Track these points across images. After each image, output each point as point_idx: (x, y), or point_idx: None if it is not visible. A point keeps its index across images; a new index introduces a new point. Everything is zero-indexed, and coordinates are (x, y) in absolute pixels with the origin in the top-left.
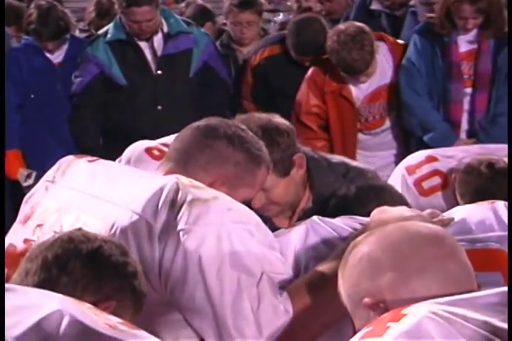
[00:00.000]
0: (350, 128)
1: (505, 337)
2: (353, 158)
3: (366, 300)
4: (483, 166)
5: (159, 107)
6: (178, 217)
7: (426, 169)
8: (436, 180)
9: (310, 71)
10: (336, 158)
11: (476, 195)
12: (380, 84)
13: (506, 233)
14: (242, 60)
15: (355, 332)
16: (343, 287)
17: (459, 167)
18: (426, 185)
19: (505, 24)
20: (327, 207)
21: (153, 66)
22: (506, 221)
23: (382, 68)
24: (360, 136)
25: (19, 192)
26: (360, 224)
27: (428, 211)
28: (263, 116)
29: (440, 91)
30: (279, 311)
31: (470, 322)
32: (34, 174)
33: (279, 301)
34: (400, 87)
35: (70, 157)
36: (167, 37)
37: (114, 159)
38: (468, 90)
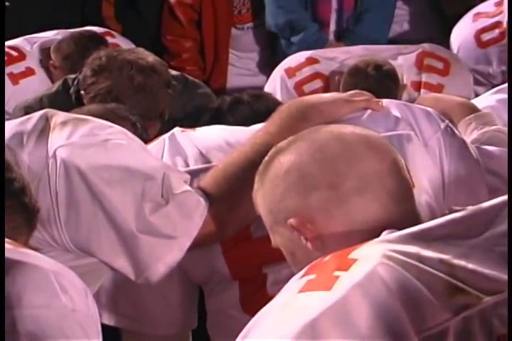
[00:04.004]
0: (224, 19)
1: (464, 277)
2: (226, 57)
3: (291, 221)
4: (370, 68)
5: (7, 3)
6: (49, 141)
7: (307, 72)
8: (318, 84)
9: None
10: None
11: None
12: None
13: None
14: None
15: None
16: (262, 199)
17: (342, 69)
18: (307, 88)
19: None
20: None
21: None
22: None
23: None
24: (232, 30)
25: None
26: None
27: (353, 92)
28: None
29: None
30: (194, 202)
31: (426, 263)
32: None
33: (191, 193)
34: None
35: None
36: None
37: None
38: None
